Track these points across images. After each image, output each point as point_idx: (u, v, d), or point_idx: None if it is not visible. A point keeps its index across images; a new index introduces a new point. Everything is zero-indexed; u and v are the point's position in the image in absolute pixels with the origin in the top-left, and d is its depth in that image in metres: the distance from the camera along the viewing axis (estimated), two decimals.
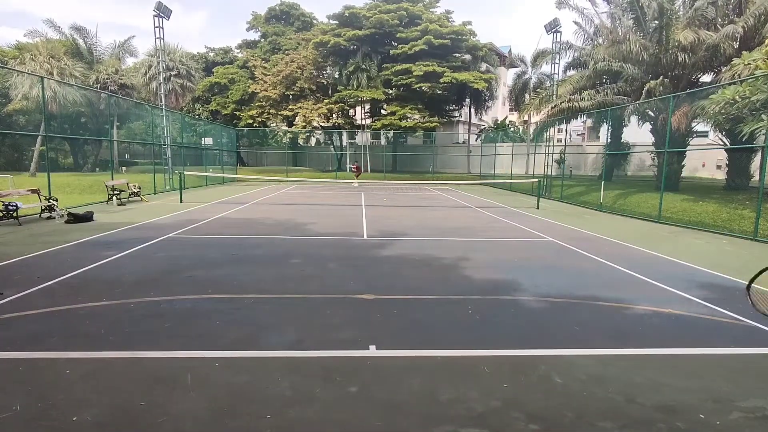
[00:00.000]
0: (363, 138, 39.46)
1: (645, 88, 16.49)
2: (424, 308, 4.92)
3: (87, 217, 10.30)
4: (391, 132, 37.20)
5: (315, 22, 44.09)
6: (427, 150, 39.60)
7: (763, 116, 10.41)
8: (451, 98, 37.69)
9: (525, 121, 37.10)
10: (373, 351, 3.73)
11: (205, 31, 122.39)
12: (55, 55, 26.62)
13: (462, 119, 44.56)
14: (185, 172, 18.02)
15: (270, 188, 22.47)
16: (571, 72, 24.91)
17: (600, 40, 21.47)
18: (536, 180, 18.41)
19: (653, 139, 19.12)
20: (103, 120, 24.50)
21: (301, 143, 47.00)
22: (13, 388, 3.03)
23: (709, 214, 11.91)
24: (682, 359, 3.73)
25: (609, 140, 20.70)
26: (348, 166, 34.83)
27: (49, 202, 10.74)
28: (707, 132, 19.26)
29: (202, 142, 27.93)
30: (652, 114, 18.21)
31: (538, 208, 15.24)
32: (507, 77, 47.63)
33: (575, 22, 22.07)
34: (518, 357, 3.71)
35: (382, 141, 41.27)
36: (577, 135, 45.83)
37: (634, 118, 20.46)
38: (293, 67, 35.97)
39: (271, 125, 41.21)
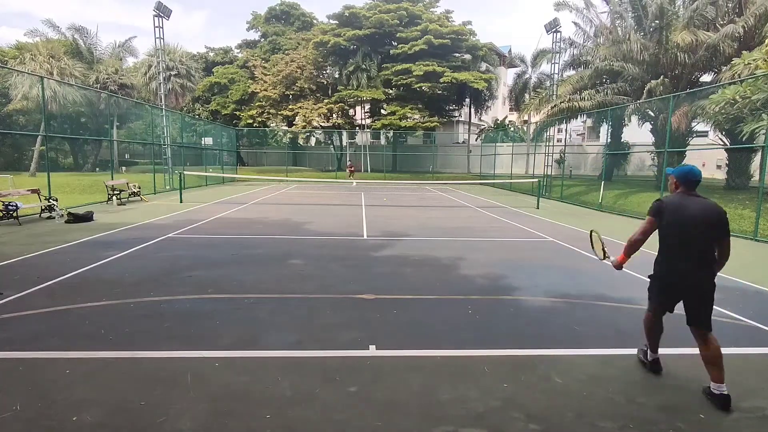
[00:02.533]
0: (363, 138, 39.44)
1: (645, 88, 16.50)
2: (424, 308, 4.92)
3: (87, 217, 10.30)
4: (391, 132, 37.19)
5: (315, 22, 44.11)
6: (427, 150, 39.60)
7: (763, 116, 10.41)
8: (451, 98, 37.68)
9: (525, 121, 37.10)
10: (373, 351, 3.73)
11: (205, 31, 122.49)
12: (55, 55, 26.63)
13: (462, 119, 44.55)
14: (185, 172, 18.01)
15: (270, 188, 22.47)
16: (571, 72, 24.93)
17: (600, 40, 21.49)
18: (536, 180, 18.41)
19: (653, 138, 19.14)
20: (103, 120, 24.53)
21: (301, 143, 47.01)
22: (13, 388, 3.03)
23: None
24: (683, 359, 3.72)
25: (609, 140, 20.70)
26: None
27: (49, 202, 10.74)
28: (707, 132, 19.26)
29: (202, 142, 27.94)
30: (652, 114, 18.23)
31: (538, 208, 15.24)
32: (507, 77, 47.63)
33: (575, 23, 22.11)
34: (518, 357, 3.71)
35: (382, 141, 41.26)
36: (577, 135, 45.84)
37: (634, 118, 20.48)
38: (293, 67, 35.97)
39: (271, 125, 41.21)
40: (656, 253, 3.21)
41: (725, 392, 2.92)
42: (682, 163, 17.97)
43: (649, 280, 3.32)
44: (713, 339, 3.02)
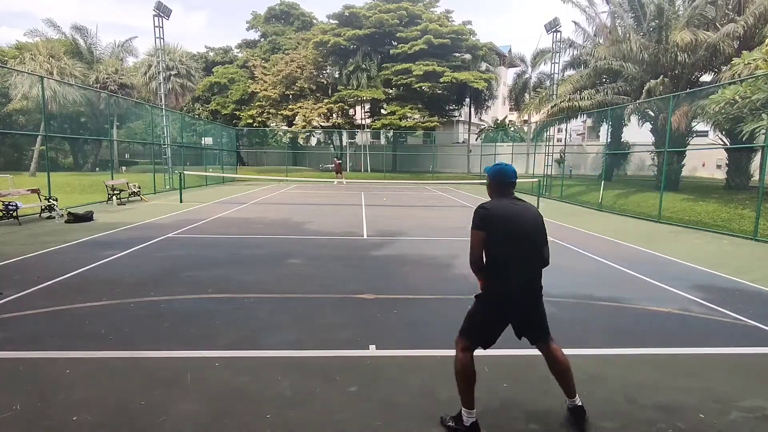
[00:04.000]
0: (363, 138, 39.44)
1: (645, 88, 16.50)
2: (424, 308, 4.92)
3: (87, 217, 10.30)
4: (391, 132, 37.19)
5: (315, 21, 44.10)
6: (427, 150, 39.59)
7: (763, 116, 10.40)
8: (451, 98, 37.68)
9: (525, 121, 37.09)
10: (373, 351, 3.73)
11: (205, 31, 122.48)
12: (55, 54, 26.60)
13: (462, 119, 44.54)
14: (185, 172, 18.01)
15: (270, 188, 22.47)
16: (571, 71, 24.91)
17: (600, 40, 21.48)
18: (536, 180, 18.40)
19: (653, 138, 19.13)
20: (103, 120, 24.52)
21: (301, 143, 47.00)
22: (13, 388, 3.03)
23: (709, 213, 11.91)
24: (682, 359, 3.73)
25: (609, 140, 20.70)
26: (345, 164, 34.63)
27: (49, 201, 10.74)
28: (707, 132, 19.27)
29: (202, 142, 27.93)
30: (652, 113, 18.22)
31: (537, 207, 15.21)
32: (507, 77, 47.64)
33: (574, 22, 22.11)
34: (518, 357, 3.69)
35: (382, 141, 41.24)
36: (577, 135, 45.84)
37: (634, 118, 20.48)
38: (293, 66, 35.97)
39: (271, 125, 41.21)
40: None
41: (579, 404, 2.71)
42: (682, 163, 18.09)
43: (475, 306, 2.73)
44: (559, 347, 2.82)
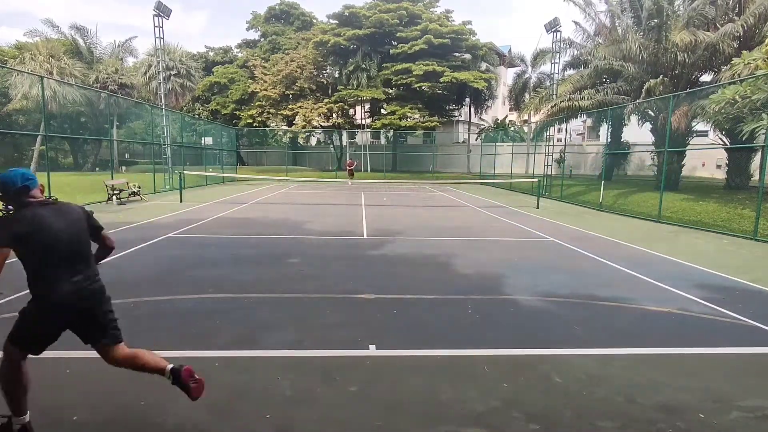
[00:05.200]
0: (363, 138, 39.44)
1: (645, 88, 16.50)
2: (424, 308, 4.92)
3: None
4: (391, 131, 37.19)
5: (315, 21, 44.09)
6: (427, 150, 39.58)
7: (763, 115, 10.40)
8: (451, 98, 37.65)
9: (525, 121, 37.08)
10: (373, 351, 3.73)
11: (205, 30, 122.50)
12: (54, 54, 26.64)
13: (462, 119, 44.53)
14: (185, 172, 18.00)
15: (270, 188, 22.46)
16: (571, 71, 24.92)
17: (600, 39, 21.48)
18: (536, 180, 18.41)
19: (653, 138, 19.13)
20: (102, 119, 24.54)
21: (301, 143, 47.00)
22: None
23: (709, 213, 11.92)
24: (682, 359, 3.73)
25: (609, 140, 20.70)
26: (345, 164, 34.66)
27: None
28: (707, 131, 19.27)
29: (202, 142, 27.93)
30: (652, 113, 18.22)
31: (538, 207, 15.24)
32: (507, 77, 47.63)
33: (574, 22, 22.11)
34: (518, 357, 3.71)
35: (382, 141, 41.23)
36: (577, 134, 45.86)
37: (634, 118, 20.47)
38: (293, 66, 35.96)
39: (271, 125, 41.21)
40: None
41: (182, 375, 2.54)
42: (682, 162, 18.08)
43: (23, 314, 2.61)
44: (128, 356, 2.66)
